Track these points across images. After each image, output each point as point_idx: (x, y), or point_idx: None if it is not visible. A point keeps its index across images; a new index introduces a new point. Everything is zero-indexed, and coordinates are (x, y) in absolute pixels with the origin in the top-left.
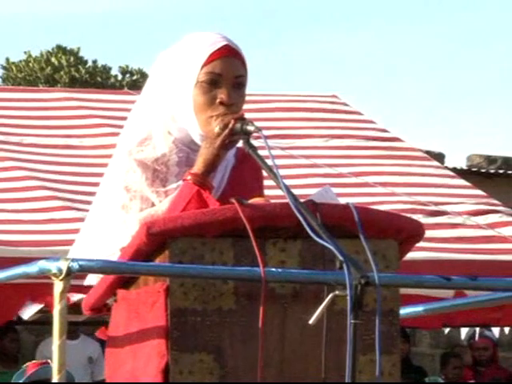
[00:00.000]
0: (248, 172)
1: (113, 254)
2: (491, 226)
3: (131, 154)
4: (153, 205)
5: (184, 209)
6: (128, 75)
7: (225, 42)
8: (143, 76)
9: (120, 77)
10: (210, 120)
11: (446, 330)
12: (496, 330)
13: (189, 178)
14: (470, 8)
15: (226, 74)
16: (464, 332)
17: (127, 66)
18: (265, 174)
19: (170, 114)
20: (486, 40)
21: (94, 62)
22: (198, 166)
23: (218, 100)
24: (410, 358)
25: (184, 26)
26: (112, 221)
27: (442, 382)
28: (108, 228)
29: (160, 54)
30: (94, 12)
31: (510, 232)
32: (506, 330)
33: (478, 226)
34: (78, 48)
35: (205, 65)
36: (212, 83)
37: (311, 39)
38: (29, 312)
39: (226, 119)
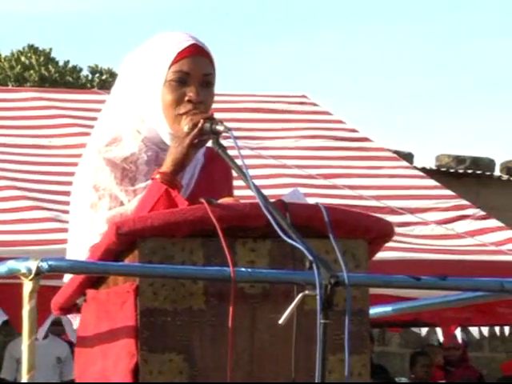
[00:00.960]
0: (217, 172)
1: (81, 254)
2: (460, 235)
3: (100, 152)
4: (121, 204)
5: (152, 208)
6: (97, 75)
7: (192, 41)
8: (112, 76)
9: (90, 76)
10: (178, 118)
11: (424, 331)
12: (475, 330)
13: (157, 176)
14: (456, 8)
15: (194, 72)
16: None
17: (97, 66)
18: (234, 174)
19: (139, 114)
20: (454, 41)
21: (66, 62)
22: (167, 165)
23: (186, 98)
24: (372, 356)
25: (153, 27)
26: (80, 220)
27: (408, 382)
28: (77, 227)
29: (128, 55)
30: (66, 12)
31: (479, 237)
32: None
33: (447, 236)
34: (50, 49)
35: (173, 64)
36: (180, 82)
37: (278, 40)
38: None
39: (195, 119)
